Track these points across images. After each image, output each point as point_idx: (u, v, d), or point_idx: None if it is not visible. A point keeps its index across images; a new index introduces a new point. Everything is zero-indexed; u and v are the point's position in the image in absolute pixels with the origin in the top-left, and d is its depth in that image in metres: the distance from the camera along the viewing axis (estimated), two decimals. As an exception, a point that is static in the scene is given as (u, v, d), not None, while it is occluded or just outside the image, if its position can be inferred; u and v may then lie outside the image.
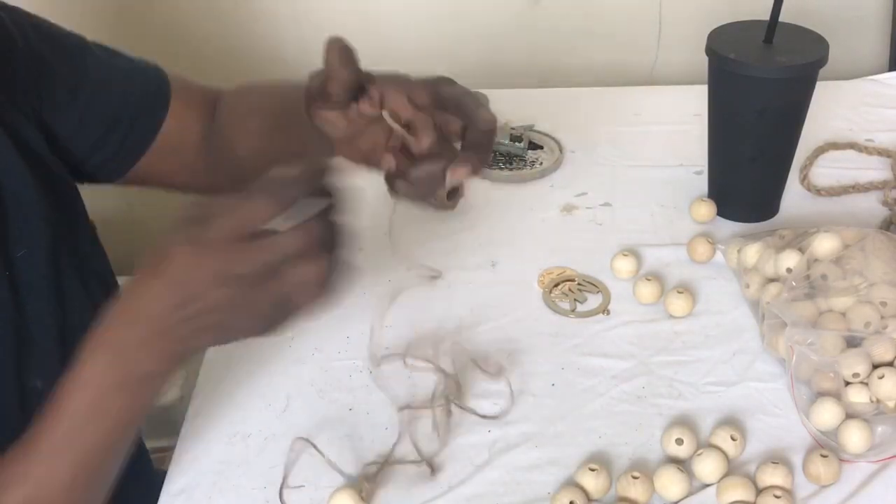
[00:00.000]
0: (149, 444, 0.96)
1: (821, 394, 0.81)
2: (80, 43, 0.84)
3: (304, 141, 0.75)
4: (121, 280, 0.84)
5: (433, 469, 0.77)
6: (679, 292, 0.93)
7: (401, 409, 0.81)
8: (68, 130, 0.82)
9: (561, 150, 1.21)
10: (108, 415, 0.61)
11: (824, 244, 0.88)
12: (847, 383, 0.80)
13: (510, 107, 1.31)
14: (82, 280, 0.78)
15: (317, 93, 0.69)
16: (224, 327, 0.60)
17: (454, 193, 1.10)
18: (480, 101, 0.68)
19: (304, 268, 0.57)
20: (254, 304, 0.58)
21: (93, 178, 0.87)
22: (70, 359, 0.74)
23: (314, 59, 1.47)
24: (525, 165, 1.19)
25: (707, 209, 1.06)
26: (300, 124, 0.75)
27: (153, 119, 0.86)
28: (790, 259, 0.89)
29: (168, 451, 0.83)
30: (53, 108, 0.79)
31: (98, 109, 0.83)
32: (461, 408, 0.82)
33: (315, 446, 0.78)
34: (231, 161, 0.85)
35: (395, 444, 0.78)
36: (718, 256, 1.00)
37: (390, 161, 0.61)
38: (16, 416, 0.72)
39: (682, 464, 0.77)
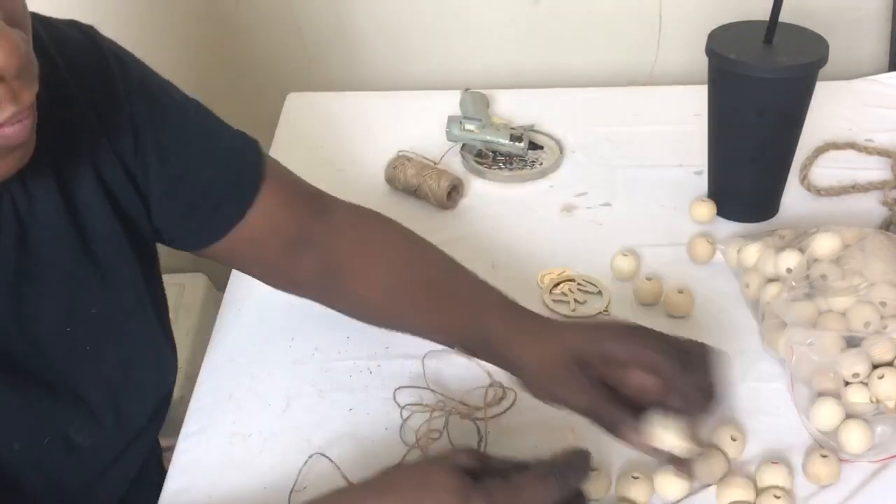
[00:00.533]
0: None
1: (821, 394, 0.81)
2: (180, 105, 0.78)
3: (437, 333, 0.79)
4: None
5: None
6: (679, 292, 0.93)
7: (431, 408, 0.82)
8: (150, 196, 0.76)
9: (561, 150, 1.21)
10: None
11: (824, 244, 0.88)
12: (847, 383, 0.80)
13: (510, 107, 1.31)
14: (152, 342, 0.76)
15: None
16: None
17: (454, 193, 1.11)
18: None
19: None
20: None
21: (160, 240, 0.81)
22: (121, 420, 0.73)
23: (315, 58, 1.46)
24: (525, 165, 1.19)
25: (707, 209, 1.06)
26: (437, 317, 0.79)
27: (236, 208, 0.79)
28: (790, 259, 0.89)
29: (168, 452, 0.83)
30: (144, 170, 0.74)
31: (185, 188, 0.76)
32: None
33: (333, 461, 0.78)
34: (336, 291, 0.84)
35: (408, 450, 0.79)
36: (718, 256, 1.00)
37: None
38: (60, 470, 0.71)
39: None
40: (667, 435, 0.63)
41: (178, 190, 0.76)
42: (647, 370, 0.65)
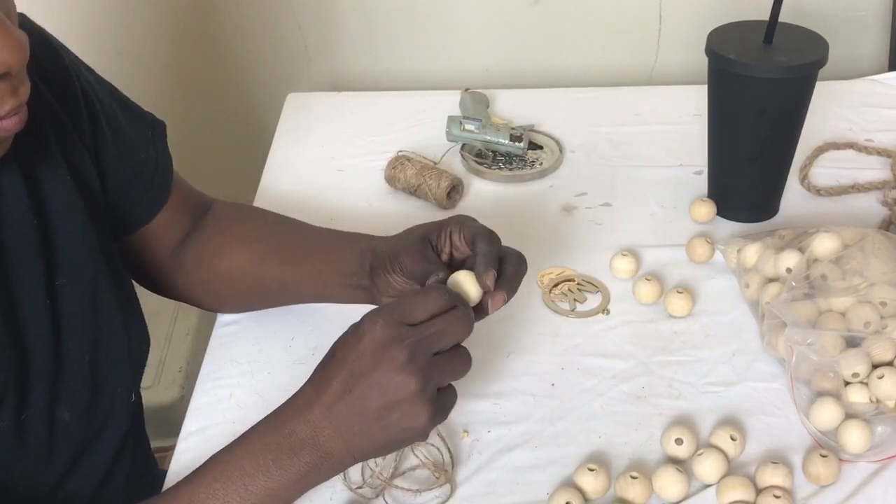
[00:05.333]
0: (150, 444, 0.96)
1: (821, 394, 0.81)
2: (103, 82, 0.83)
3: (308, 277, 0.86)
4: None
5: (450, 483, 0.77)
6: (679, 292, 0.93)
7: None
8: (104, 164, 0.81)
9: (561, 150, 1.21)
10: (250, 493, 0.65)
11: (824, 244, 0.88)
12: (847, 383, 0.80)
13: (510, 107, 1.31)
14: (119, 310, 0.77)
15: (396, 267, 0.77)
16: (391, 415, 0.65)
17: (454, 193, 1.11)
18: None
19: (459, 354, 0.67)
20: (422, 380, 0.64)
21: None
22: (96, 390, 0.75)
23: (315, 58, 1.46)
24: (525, 165, 1.19)
25: (707, 209, 1.06)
26: (310, 261, 0.85)
27: (153, 204, 0.85)
28: (790, 259, 0.89)
29: (168, 451, 0.83)
30: (100, 139, 0.79)
31: (130, 158, 0.82)
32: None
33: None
34: (208, 271, 0.88)
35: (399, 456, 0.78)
36: (718, 256, 1.00)
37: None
38: (44, 448, 0.72)
39: (681, 464, 0.77)
40: (461, 281, 0.72)
41: (125, 158, 0.81)
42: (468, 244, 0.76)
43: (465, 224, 0.76)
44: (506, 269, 0.74)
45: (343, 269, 0.83)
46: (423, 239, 0.77)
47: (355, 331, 0.66)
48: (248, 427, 0.83)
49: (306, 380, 0.69)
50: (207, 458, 0.68)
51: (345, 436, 0.65)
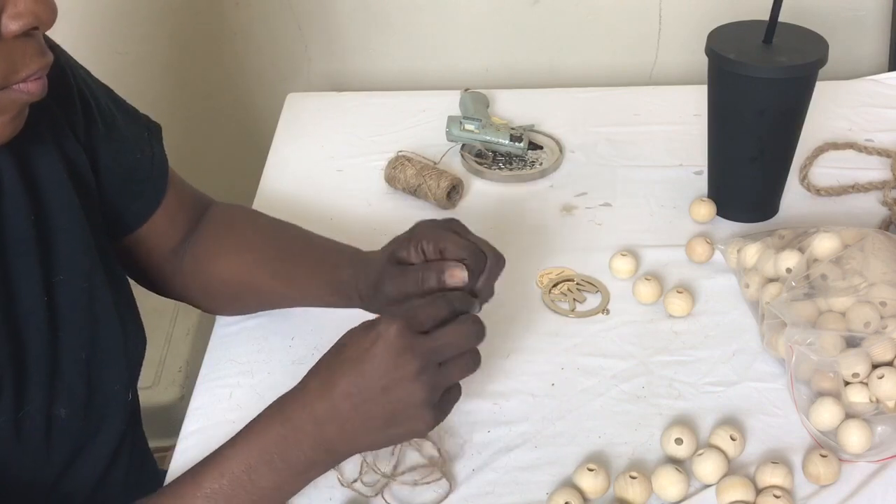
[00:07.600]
0: (150, 444, 0.96)
1: (820, 394, 0.81)
2: (99, 83, 0.83)
3: (299, 290, 0.87)
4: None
5: (448, 479, 0.77)
6: (679, 292, 0.93)
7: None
8: (99, 163, 0.80)
9: (561, 150, 1.21)
10: (256, 488, 0.66)
11: (824, 244, 0.88)
12: (847, 383, 0.80)
13: (510, 107, 1.31)
14: (116, 309, 0.77)
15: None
16: (396, 418, 0.65)
17: (454, 193, 1.11)
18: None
19: (467, 357, 0.68)
20: (430, 389, 0.65)
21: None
22: (93, 388, 0.75)
23: (315, 58, 1.46)
24: (525, 165, 1.19)
25: (707, 209, 1.06)
26: (299, 276, 0.87)
27: (148, 204, 0.85)
28: (790, 259, 0.89)
29: (168, 451, 0.83)
30: (94, 137, 0.79)
31: (124, 157, 0.82)
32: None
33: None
34: (205, 274, 0.89)
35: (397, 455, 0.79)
36: (718, 256, 1.00)
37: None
38: (41, 445, 0.72)
39: (681, 464, 0.77)
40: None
41: (121, 157, 0.81)
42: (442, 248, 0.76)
43: (429, 236, 0.76)
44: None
45: (332, 289, 0.84)
46: (392, 258, 0.78)
47: (368, 332, 0.66)
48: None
49: (309, 371, 0.68)
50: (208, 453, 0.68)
51: (349, 434, 0.66)
